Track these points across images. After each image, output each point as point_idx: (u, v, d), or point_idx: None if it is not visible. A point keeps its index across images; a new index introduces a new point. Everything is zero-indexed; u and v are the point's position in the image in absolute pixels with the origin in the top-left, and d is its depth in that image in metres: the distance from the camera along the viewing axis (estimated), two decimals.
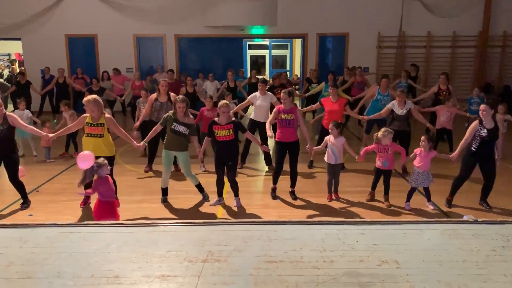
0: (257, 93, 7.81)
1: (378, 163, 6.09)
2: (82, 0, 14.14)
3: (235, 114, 7.80)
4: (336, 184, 6.38)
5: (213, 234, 3.19)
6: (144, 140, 6.14)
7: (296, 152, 6.24)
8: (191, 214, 5.77)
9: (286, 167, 6.30)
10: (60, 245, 3.02)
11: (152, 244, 3.04)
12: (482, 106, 5.74)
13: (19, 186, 5.95)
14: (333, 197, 6.34)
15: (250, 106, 8.69)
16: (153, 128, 6.09)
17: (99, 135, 5.58)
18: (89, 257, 2.82)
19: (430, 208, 6.01)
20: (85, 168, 4.77)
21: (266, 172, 7.79)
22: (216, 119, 5.90)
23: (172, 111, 5.98)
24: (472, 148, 5.83)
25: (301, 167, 7.46)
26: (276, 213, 5.83)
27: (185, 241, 3.07)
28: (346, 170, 7.47)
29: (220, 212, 5.93)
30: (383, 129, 6.07)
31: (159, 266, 2.69)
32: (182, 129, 5.86)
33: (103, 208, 4.90)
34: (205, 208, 6.02)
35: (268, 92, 7.91)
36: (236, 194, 6.12)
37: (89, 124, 5.59)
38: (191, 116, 6.09)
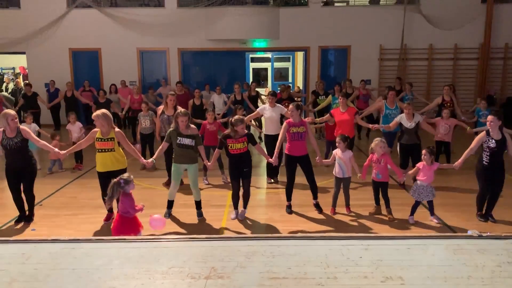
0: (266, 105, 7.83)
1: (373, 175, 6.11)
2: (86, 14, 14.31)
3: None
4: (347, 198, 6.35)
5: (216, 250, 3.17)
6: (153, 157, 6.13)
7: (309, 164, 6.22)
8: (194, 229, 5.75)
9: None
10: (63, 261, 3.01)
11: (154, 260, 3.02)
12: (490, 117, 5.74)
13: (31, 199, 5.97)
14: (345, 211, 6.31)
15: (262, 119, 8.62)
16: (160, 147, 6.10)
17: (110, 150, 5.61)
18: (91, 274, 2.81)
19: (434, 222, 5.97)
20: (161, 229, 4.83)
21: (268, 183, 7.79)
22: (227, 132, 5.88)
23: (173, 126, 5.98)
24: (484, 162, 5.80)
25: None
26: (280, 227, 5.80)
27: (188, 257, 3.06)
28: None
29: (224, 224, 5.89)
30: (376, 140, 6.08)
31: (162, 283, 2.67)
32: (187, 141, 5.87)
33: (123, 223, 4.88)
34: (207, 222, 6.00)
35: (278, 104, 7.88)
36: (245, 205, 6.12)
37: (100, 139, 5.60)
38: (194, 126, 6.09)
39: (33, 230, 5.72)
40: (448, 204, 6.35)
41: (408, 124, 7.25)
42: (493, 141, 5.69)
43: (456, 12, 13.97)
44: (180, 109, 7.47)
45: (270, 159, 6.26)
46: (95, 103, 11.32)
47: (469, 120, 9.80)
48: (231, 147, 5.82)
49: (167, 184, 7.65)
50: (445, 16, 14.02)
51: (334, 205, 6.35)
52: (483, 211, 6.04)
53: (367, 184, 7.41)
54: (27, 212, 6.02)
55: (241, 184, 6.05)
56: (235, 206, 6.16)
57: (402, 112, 8.18)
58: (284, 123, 6.26)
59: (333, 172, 6.35)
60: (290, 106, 6.20)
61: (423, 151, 5.95)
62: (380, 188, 6.15)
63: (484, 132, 5.83)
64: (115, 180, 4.81)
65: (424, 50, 14.39)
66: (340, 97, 7.64)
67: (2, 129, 5.67)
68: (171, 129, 6.01)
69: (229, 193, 7.14)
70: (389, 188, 6.25)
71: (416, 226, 5.87)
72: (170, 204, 6.20)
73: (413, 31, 14.19)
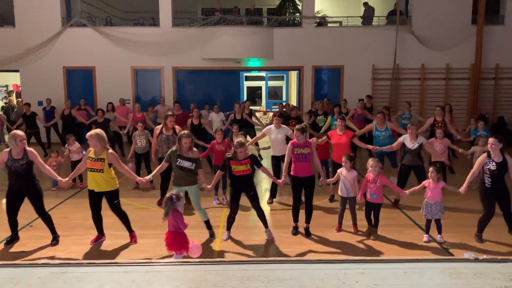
0: (271, 126, 7.78)
1: (367, 195, 6.06)
2: (81, 33, 14.37)
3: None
4: (353, 218, 6.32)
5: (210, 274, 3.11)
6: (151, 174, 6.06)
7: (312, 188, 6.15)
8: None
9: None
10: (53, 286, 2.93)
11: (147, 285, 2.96)
12: (491, 140, 5.73)
13: (47, 219, 5.89)
14: (353, 230, 6.30)
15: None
16: (159, 166, 6.05)
17: (98, 170, 5.53)
18: None
19: (439, 239, 5.95)
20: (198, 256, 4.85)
21: (268, 203, 7.78)
22: (230, 154, 5.84)
23: (175, 147, 5.90)
24: (487, 185, 5.80)
25: (319, 200, 7.41)
26: (276, 249, 5.73)
27: (181, 281, 2.99)
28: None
29: (217, 247, 5.82)
30: (371, 160, 6.07)
31: None
32: (187, 164, 5.78)
33: (176, 239, 4.90)
34: (202, 245, 5.89)
35: (283, 125, 7.84)
36: (265, 225, 6.07)
37: (91, 159, 5.56)
38: (196, 150, 6.03)
39: (22, 252, 5.61)
40: (444, 225, 6.31)
41: (411, 145, 7.21)
42: (494, 163, 5.69)
43: (447, 33, 14.21)
44: (179, 129, 7.47)
45: (277, 181, 6.24)
46: (93, 123, 11.27)
47: (464, 139, 9.85)
48: (234, 169, 5.77)
49: (160, 203, 7.58)
50: (436, 36, 14.25)
51: (339, 222, 6.36)
52: (481, 233, 6.00)
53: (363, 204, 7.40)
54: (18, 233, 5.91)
55: (251, 207, 6.05)
56: (228, 227, 6.09)
57: (392, 133, 8.27)
58: (289, 144, 6.21)
59: (338, 192, 6.35)
60: (295, 130, 6.11)
61: (430, 169, 5.95)
62: (372, 209, 6.11)
63: (485, 154, 5.83)
64: (167, 196, 4.87)
65: (416, 70, 14.57)
66: (338, 119, 7.62)
67: (8, 149, 5.61)
68: (172, 149, 5.94)
69: (224, 213, 7.10)
70: (385, 208, 6.22)
71: (412, 247, 5.82)
72: (207, 223, 6.13)
73: (405, 51, 14.39)
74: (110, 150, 5.67)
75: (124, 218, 5.92)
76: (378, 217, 6.11)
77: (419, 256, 5.28)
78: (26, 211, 6.90)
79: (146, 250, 5.71)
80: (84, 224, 6.49)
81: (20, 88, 15.91)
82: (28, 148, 5.70)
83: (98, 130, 5.68)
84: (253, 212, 7.31)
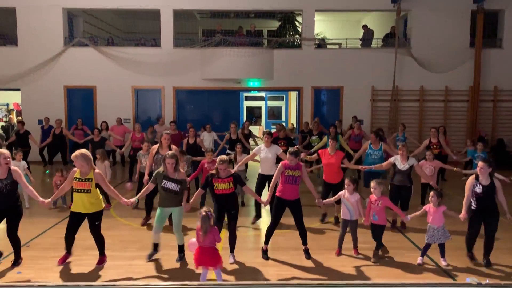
0: (261, 146, 7.74)
1: (370, 216, 6.02)
2: (82, 52, 14.50)
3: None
4: (354, 241, 6.24)
5: None
6: (136, 196, 6.04)
7: (300, 210, 6.06)
8: (184, 274, 5.59)
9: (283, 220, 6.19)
10: None
11: None
12: (480, 163, 5.77)
13: (16, 242, 5.76)
14: (353, 253, 6.21)
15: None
16: (146, 187, 6.04)
17: (86, 191, 5.48)
18: None
19: (443, 264, 5.89)
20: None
21: (252, 223, 7.74)
22: (213, 171, 5.82)
23: (161, 168, 5.87)
24: (472, 207, 5.81)
25: (312, 222, 7.38)
26: (274, 272, 5.66)
27: None
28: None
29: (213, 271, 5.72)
30: (374, 181, 6.05)
31: None
32: (172, 186, 5.74)
33: (208, 253, 4.93)
34: (190, 267, 5.80)
35: (273, 144, 7.84)
36: (232, 249, 5.97)
37: (77, 179, 5.49)
38: (182, 171, 6.00)
39: (18, 273, 5.52)
40: (447, 248, 6.24)
41: (401, 166, 7.24)
42: (480, 186, 5.72)
43: (445, 55, 14.37)
44: (175, 148, 7.49)
45: (261, 200, 6.19)
46: (90, 142, 11.27)
47: (461, 160, 9.85)
48: (216, 187, 5.71)
49: (144, 224, 7.53)
50: (435, 59, 14.39)
51: (339, 246, 6.26)
52: (472, 252, 6.00)
53: (365, 226, 7.33)
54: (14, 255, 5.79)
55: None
56: (233, 248, 6.00)
57: (385, 154, 8.32)
58: (280, 165, 6.17)
59: (340, 214, 6.28)
60: (288, 154, 6.04)
61: (431, 193, 5.94)
62: (375, 230, 6.06)
63: (473, 176, 5.86)
64: (202, 214, 4.85)
65: (415, 91, 14.67)
66: (330, 139, 7.64)
67: None
68: (158, 170, 5.90)
69: (222, 235, 7.02)
70: (386, 231, 6.15)
71: (413, 271, 5.75)
72: (156, 246, 6.05)
73: (404, 73, 14.51)
74: (97, 170, 5.64)
75: (101, 241, 5.79)
76: (380, 239, 6.06)
77: (421, 280, 5.24)
78: (23, 230, 6.83)
79: (142, 271, 5.62)
80: (82, 245, 6.40)
81: (20, 106, 15.94)
82: (12, 167, 5.64)
83: (83, 150, 5.59)
84: (251, 233, 7.29)
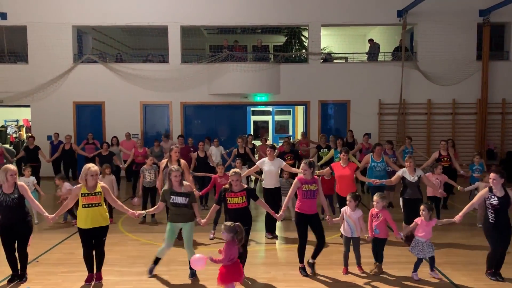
0: (265, 159, 7.76)
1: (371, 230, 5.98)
2: (91, 69, 14.69)
3: (248, 178, 7.72)
4: (358, 257, 6.14)
5: None
6: (146, 211, 6.03)
7: (320, 222, 6.00)
8: None
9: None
10: None
11: None
12: (492, 175, 5.71)
13: (25, 258, 5.75)
14: (358, 270, 6.09)
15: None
16: (156, 206, 5.99)
17: (97, 204, 5.49)
18: None
19: (434, 278, 5.82)
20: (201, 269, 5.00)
21: (269, 239, 7.68)
22: (227, 186, 5.77)
23: (167, 185, 5.83)
24: (491, 220, 5.71)
25: (328, 236, 7.33)
26: (282, 287, 5.60)
27: None
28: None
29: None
30: (377, 195, 6.00)
31: None
32: (181, 200, 5.70)
33: (230, 271, 4.85)
34: (208, 282, 5.78)
35: (277, 158, 7.89)
36: (242, 265, 5.88)
37: (86, 194, 5.46)
38: (188, 183, 5.96)
39: None
40: (456, 263, 6.18)
41: (411, 178, 7.19)
42: (496, 198, 5.65)
43: (452, 68, 14.36)
44: (184, 163, 7.49)
45: (275, 215, 6.13)
46: (98, 156, 11.35)
47: (467, 175, 9.79)
48: (229, 201, 5.66)
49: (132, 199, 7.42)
50: (442, 72, 14.39)
51: (345, 264, 6.13)
52: (492, 270, 5.87)
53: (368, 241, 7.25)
54: (19, 271, 5.79)
55: None
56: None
57: (387, 165, 8.35)
58: (296, 180, 6.05)
59: (341, 230, 6.20)
60: (302, 164, 5.99)
61: (421, 207, 5.90)
62: (376, 244, 5.99)
63: (487, 189, 5.79)
64: (237, 223, 4.89)
65: (423, 105, 14.64)
66: (342, 152, 7.61)
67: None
68: (164, 188, 5.86)
69: None
70: (393, 246, 6.09)
71: (419, 284, 5.67)
72: (157, 261, 5.98)
73: (411, 87, 14.51)
74: (102, 183, 5.67)
75: (102, 256, 5.74)
76: (381, 252, 5.99)
77: None
78: (32, 246, 6.86)
79: (152, 287, 5.59)
80: None
81: (30, 123, 16.12)
82: (19, 182, 5.67)
83: (91, 165, 5.56)
84: (258, 248, 7.23)
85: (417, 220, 5.90)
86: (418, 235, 5.82)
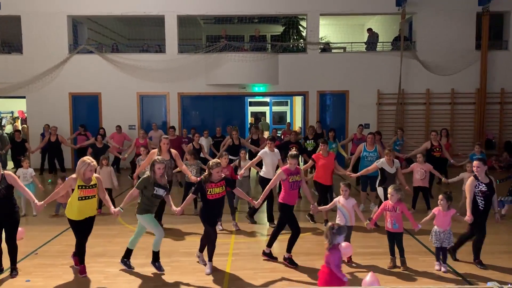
0: (266, 150, 7.91)
1: (388, 225, 5.83)
2: (87, 59, 14.49)
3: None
4: None
5: None
6: (120, 205, 5.78)
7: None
8: (196, 280, 5.49)
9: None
10: None
11: None
12: (476, 163, 5.81)
13: (13, 250, 5.64)
14: (346, 260, 5.99)
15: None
16: (129, 194, 5.77)
17: (93, 196, 5.52)
18: None
19: (442, 270, 5.76)
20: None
21: (271, 226, 7.68)
22: (205, 176, 5.63)
23: (147, 174, 5.71)
24: (480, 207, 5.75)
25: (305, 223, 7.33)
26: (284, 276, 5.55)
27: None
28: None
29: (227, 279, 5.62)
30: (390, 188, 5.91)
31: None
32: (161, 192, 5.70)
33: (333, 277, 4.35)
34: (212, 273, 5.72)
35: (276, 150, 8.05)
36: (210, 258, 5.74)
37: (83, 187, 5.39)
38: (165, 176, 5.84)
39: (27, 281, 5.44)
40: (462, 252, 6.14)
41: (390, 169, 7.31)
42: (483, 185, 5.73)
43: (451, 58, 14.27)
44: (175, 153, 7.47)
45: (253, 202, 6.14)
46: (92, 147, 11.19)
47: (458, 164, 9.85)
48: (210, 192, 5.53)
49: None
50: (441, 62, 14.30)
51: None
52: (479, 259, 5.91)
53: (368, 230, 7.20)
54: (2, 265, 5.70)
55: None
56: (211, 258, 5.74)
57: (380, 155, 8.35)
58: (280, 171, 6.04)
59: (336, 221, 6.07)
60: (289, 157, 6.02)
61: (440, 196, 5.81)
62: (395, 239, 5.88)
63: (472, 178, 5.80)
64: (329, 225, 4.46)
65: (421, 94, 14.57)
66: (321, 143, 7.79)
67: None
68: (145, 176, 5.73)
69: (232, 240, 6.95)
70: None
71: (427, 276, 5.63)
72: (157, 256, 5.81)
73: (410, 76, 14.43)
74: (96, 175, 5.64)
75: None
76: (402, 246, 5.89)
77: (439, 286, 5.13)
78: (32, 238, 6.82)
79: (152, 279, 5.54)
80: (89, 252, 6.27)
81: (25, 114, 15.94)
82: (6, 172, 5.57)
83: (88, 158, 5.51)
84: (260, 238, 7.18)
85: (435, 210, 5.85)
86: (436, 225, 5.77)
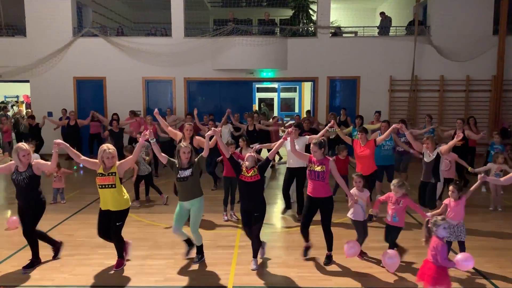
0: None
1: (388, 217, 5.49)
2: (92, 43, 14.17)
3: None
4: (361, 243, 5.74)
5: None
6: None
7: (328, 210, 5.49)
8: (200, 275, 5.23)
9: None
10: None
11: None
12: (451, 188, 5.42)
13: (34, 241, 5.44)
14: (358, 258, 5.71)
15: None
16: (159, 153, 5.41)
17: (111, 186, 5.16)
18: None
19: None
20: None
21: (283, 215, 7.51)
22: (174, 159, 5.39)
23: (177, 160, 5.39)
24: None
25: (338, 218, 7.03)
26: (294, 273, 5.26)
27: None
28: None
29: (233, 271, 5.35)
30: (395, 180, 5.55)
31: None
32: (186, 173, 5.32)
33: (440, 273, 4.31)
34: (214, 267, 5.45)
35: (300, 136, 7.36)
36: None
37: (101, 175, 5.17)
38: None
39: (24, 273, 5.20)
40: (482, 248, 5.81)
41: (428, 158, 6.85)
42: None
43: (467, 43, 13.76)
44: (199, 139, 7.07)
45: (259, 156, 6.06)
46: (110, 132, 11.26)
47: (485, 136, 9.57)
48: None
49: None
50: (456, 47, 13.80)
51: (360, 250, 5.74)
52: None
53: (381, 223, 6.88)
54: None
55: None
56: (255, 255, 5.45)
57: (396, 145, 8.27)
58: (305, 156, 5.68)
59: (348, 215, 5.78)
60: (312, 144, 5.53)
61: (450, 187, 5.46)
62: (390, 232, 5.54)
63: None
64: (426, 220, 4.35)
65: (435, 81, 14.10)
66: (358, 132, 7.22)
67: (13, 162, 5.30)
68: (174, 160, 5.43)
69: (238, 232, 6.68)
70: (410, 230, 5.71)
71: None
72: (188, 241, 5.66)
73: (424, 62, 13.95)
74: (118, 162, 5.30)
75: (120, 243, 5.40)
76: (394, 240, 5.54)
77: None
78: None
79: (155, 272, 5.28)
80: (90, 243, 6.11)
81: (30, 98, 15.72)
82: (34, 161, 5.35)
83: (109, 145, 5.28)
84: (274, 230, 6.88)
85: (446, 201, 5.48)
86: (449, 217, 5.41)
